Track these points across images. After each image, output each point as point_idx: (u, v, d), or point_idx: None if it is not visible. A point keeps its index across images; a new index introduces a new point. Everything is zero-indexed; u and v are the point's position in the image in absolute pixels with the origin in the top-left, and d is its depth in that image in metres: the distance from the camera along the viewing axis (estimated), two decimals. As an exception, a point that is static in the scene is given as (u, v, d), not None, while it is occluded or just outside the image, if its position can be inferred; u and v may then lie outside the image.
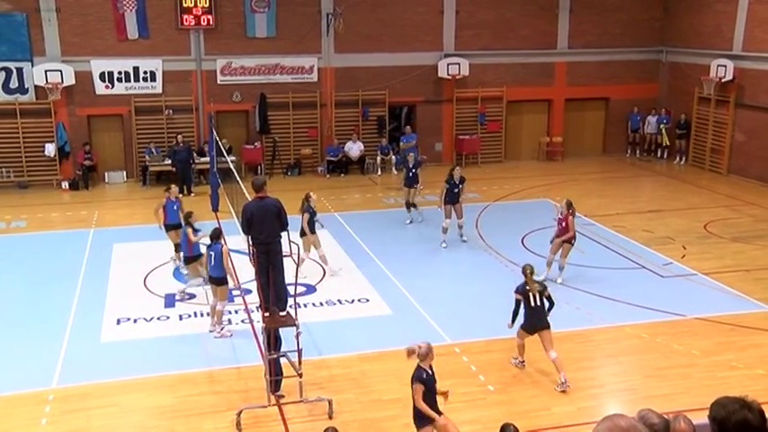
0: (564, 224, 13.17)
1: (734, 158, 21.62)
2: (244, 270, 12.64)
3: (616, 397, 9.67)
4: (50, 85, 20.23)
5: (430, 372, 7.55)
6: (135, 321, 11.97)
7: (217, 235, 11.55)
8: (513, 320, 9.91)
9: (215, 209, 18.00)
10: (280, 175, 22.06)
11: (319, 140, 22.75)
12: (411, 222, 17.13)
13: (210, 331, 11.43)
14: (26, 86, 20.49)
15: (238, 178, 15.15)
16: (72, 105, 21.02)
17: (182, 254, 13.27)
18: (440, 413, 7.55)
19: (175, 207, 13.85)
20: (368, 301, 12.76)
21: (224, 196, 17.98)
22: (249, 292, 12.52)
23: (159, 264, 14.39)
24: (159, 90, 21.35)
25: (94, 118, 21.45)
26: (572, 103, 24.30)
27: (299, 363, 9.12)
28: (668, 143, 23.64)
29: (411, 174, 16.97)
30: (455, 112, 23.38)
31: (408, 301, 12.63)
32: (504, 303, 10.15)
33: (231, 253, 11.89)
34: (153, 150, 21.22)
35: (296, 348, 9.06)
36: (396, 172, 21.90)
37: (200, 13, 21.08)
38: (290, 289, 9.69)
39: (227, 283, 11.35)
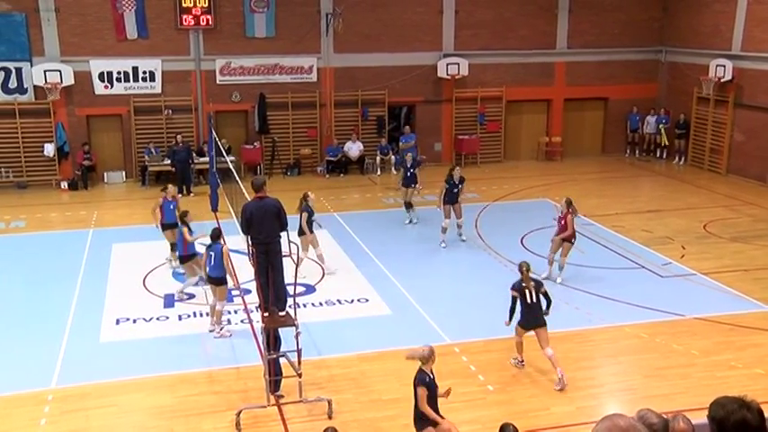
0: (563, 222, 13.22)
1: (733, 158, 21.63)
2: (243, 270, 12.64)
3: (615, 397, 9.68)
4: (49, 85, 20.22)
5: (432, 375, 7.55)
6: (134, 321, 11.97)
7: (217, 235, 11.56)
8: (511, 317, 9.95)
9: (214, 209, 18.00)
10: (279, 175, 22.06)
11: (319, 140, 22.75)
12: (410, 222, 17.14)
13: (210, 331, 11.44)
14: (25, 86, 20.48)
15: (238, 178, 15.15)
16: (71, 105, 21.02)
17: (177, 253, 13.29)
18: (441, 416, 7.55)
19: (172, 207, 13.87)
20: (367, 301, 12.77)
21: (223, 196, 17.99)
22: (248, 292, 12.51)
23: (158, 264, 14.38)
24: (158, 90, 21.35)
25: (94, 118, 21.45)
26: (571, 103, 24.31)
27: (299, 363, 9.12)
28: (667, 143, 23.65)
29: (409, 173, 16.98)
30: (454, 112, 23.39)
31: (408, 301, 12.63)
32: (503, 303, 10.15)
33: (231, 253, 11.88)
34: (152, 150, 21.22)
35: (295, 348, 9.06)
36: (395, 172, 21.87)
37: (199, 13, 21.08)
38: (290, 289, 9.68)
39: (226, 283, 11.35)
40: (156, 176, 21.08)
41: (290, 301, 9.62)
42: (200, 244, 12.72)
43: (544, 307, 9.94)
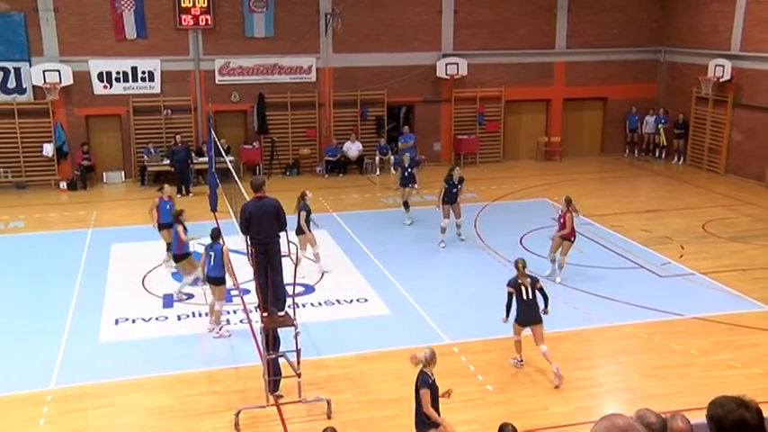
0: (562, 221, 13.25)
1: (731, 158, 21.65)
2: (242, 270, 12.63)
3: (614, 396, 9.69)
4: (48, 85, 20.21)
5: (433, 377, 7.55)
6: (133, 321, 11.96)
7: (216, 235, 11.56)
8: (507, 314, 10.00)
9: (213, 209, 18.00)
10: (278, 174, 22.06)
11: (318, 140, 22.75)
12: (411, 223, 17.11)
13: (210, 330, 11.44)
14: (24, 86, 20.47)
15: (237, 178, 15.15)
16: (70, 105, 21.01)
17: (171, 252, 13.30)
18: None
19: (168, 207, 13.86)
20: (366, 301, 12.77)
21: (222, 196, 17.99)
22: (248, 292, 12.51)
23: (157, 264, 14.38)
24: (157, 90, 21.34)
25: (93, 118, 21.44)
26: (570, 103, 24.31)
27: (298, 363, 9.12)
28: (665, 143, 23.67)
29: (407, 173, 16.99)
30: (453, 111, 23.39)
31: (407, 301, 12.64)
32: (502, 303, 10.13)
33: (230, 253, 11.87)
34: (151, 150, 21.21)
35: (294, 348, 9.06)
36: (394, 172, 21.87)
37: (198, 13, 21.08)
38: (289, 289, 9.69)
39: (225, 282, 11.35)
40: (155, 176, 21.06)
41: (289, 301, 9.62)
42: (200, 244, 12.73)
43: (541, 304, 9.96)
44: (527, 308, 9.90)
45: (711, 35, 22.01)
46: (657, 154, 24.08)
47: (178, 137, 20.59)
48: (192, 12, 21.03)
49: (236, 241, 13.60)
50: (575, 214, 13.52)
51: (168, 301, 12.75)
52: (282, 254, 9.70)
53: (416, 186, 17.00)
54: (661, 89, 24.52)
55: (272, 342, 9.23)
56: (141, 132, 21.48)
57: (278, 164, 22.38)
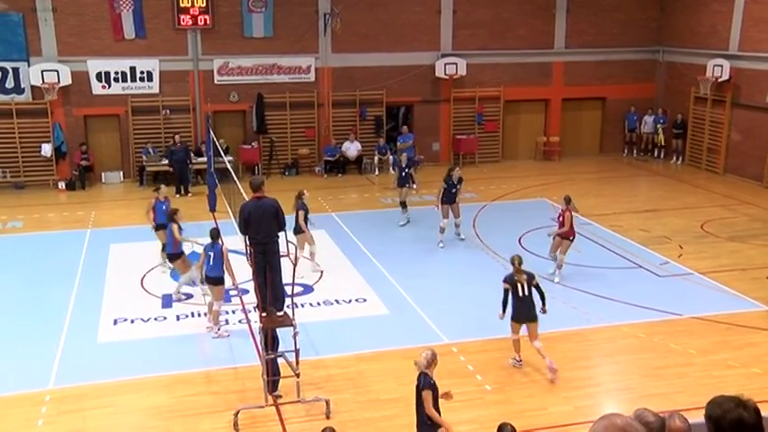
0: (561, 219, 13.28)
1: (730, 158, 21.66)
2: (241, 270, 12.62)
3: (613, 396, 9.69)
4: (47, 85, 20.20)
5: (433, 378, 7.54)
6: (132, 322, 11.96)
7: (216, 235, 11.56)
8: (504, 310, 10.04)
9: (212, 209, 17.99)
10: (277, 175, 22.06)
11: (317, 140, 22.74)
12: (408, 222, 17.11)
13: (208, 328, 11.43)
14: (22, 86, 20.46)
15: (236, 178, 15.15)
16: (68, 105, 20.99)
17: (166, 251, 13.30)
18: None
19: (164, 207, 13.83)
20: (365, 300, 12.77)
21: (221, 196, 17.98)
22: (246, 292, 12.51)
23: (156, 264, 14.37)
24: (156, 90, 21.33)
25: (91, 118, 21.42)
26: (569, 103, 24.32)
27: (297, 363, 9.12)
28: (663, 143, 23.68)
29: (404, 174, 17.01)
30: (452, 111, 23.39)
31: (405, 301, 12.64)
32: (500, 302, 10.14)
33: (229, 253, 11.87)
34: (150, 150, 21.20)
35: (293, 348, 9.06)
36: (393, 172, 21.88)
37: (197, 12, 21.07)
38: (288, 289, 9.68)
39: (223, 283, 11.35)
40: (153, 176, 21.05)
41: (287, 300, 9.62)
42: (200, 245, 12.70)
43: (537, 301, 10.00)
44: (523, 304, 9.96)
45: (710, 35, 22.02)
46: (656, 154, 24.09)
47: (177, 137, 20.58)
48: (191, 12, 21.03)
49: (234, 241, 13.59)
50: (574, 213, 13.54)
51: (167, 301, 12.75)
52: (281, 254, 9.70)
53: (415, 186, 17.00)
54: (660, 89, 24.53)
55: (270, 342, 9.23)
56: (140, 132, 21.47)
57: (277, 164, 22.38)
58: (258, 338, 9.69)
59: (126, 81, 21.09)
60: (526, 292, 9.94)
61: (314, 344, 10.84)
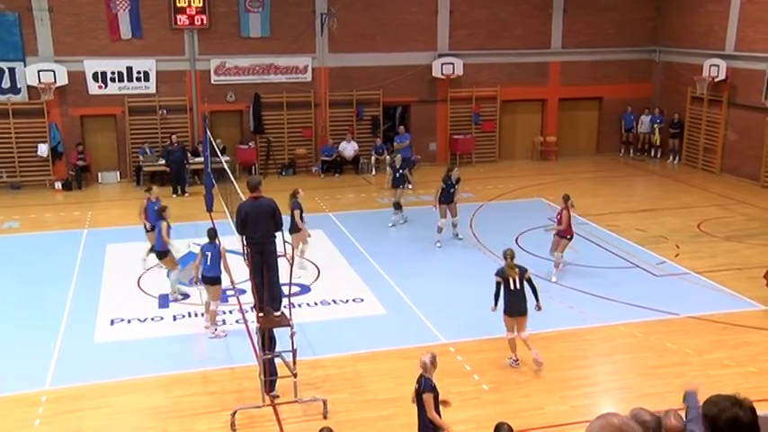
0: (559, 218, 13.32)
1: (726, 158, 21.70)
2: (238, 270, 12.61)
3: (610, 396, 9.70)
4: (43, 86, 20.16)
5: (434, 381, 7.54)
6: (129, 322, 11.94)
7: (213, 235, 11.55)
8: (496, 303, 10.09)
9: (209, 209, 17.98)
10: (274, 174, 22.05)
11: (313, 140, 22.74)
12: (405, 222, 17.12)
13: (206, 327, 11.42)
14: (18, 86, 20.42)
15: (233, 178, 15.13)
16: (65, 105, 20.96)
17: (154, 248, 13.29)
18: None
19: (156, 207, 13.81)
20: (362, 300, 12.77)
21: (218, 196, 17.96)
22: (243, 292, 12.51)
23: (153, 264, 14.34)
24: (153, 90, 21.31)
25: (88, 118, 21.40)
26: (566, 103, 24.35)
27: (294, 363, 9.12)
28: (660, 143, 23.71)
29: (398, 174, 17.00)
30: (449, 111, 23.40)
31: (403, 301, 12.64)
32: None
33: (226, 253, 11.86)
34: (147, 150, 21.18)
35: (290, 348, 9.06)
36: (388, 171, 21.88)
37: (193, 12, 21.05)
38: (285, 289, 9.68)
39: (220, 283, 11.34)
40: (150, 177, 21.03)
41: (284, 301, 9.62)
42: (195, 244, 12.70)
43: (529, 296, 10.04)
44: (514, 298, 10.03)
45: (706, 35, 22.06)
46: (653, 153, 24.13)
47: (174, 137, 20.56)
48: (188, 11, 21.01)
49: (231, 241, 13.58)
50: (572, 212, 13.56)
51: (164, 301, 12.74)
52: (278, 254, 9.69)
53: (410, 186, 16.99)
54: (656, 89, 24.57)
55: (267, 342, 9.23)
56: (137, 132, 21.44)
57: (274, 164, 22.37)
58: (255, 338, 9.69)
59: (123, 81, 21.07)
60: (518, 286, 10.00)
61: (311, 344, 10.83)
